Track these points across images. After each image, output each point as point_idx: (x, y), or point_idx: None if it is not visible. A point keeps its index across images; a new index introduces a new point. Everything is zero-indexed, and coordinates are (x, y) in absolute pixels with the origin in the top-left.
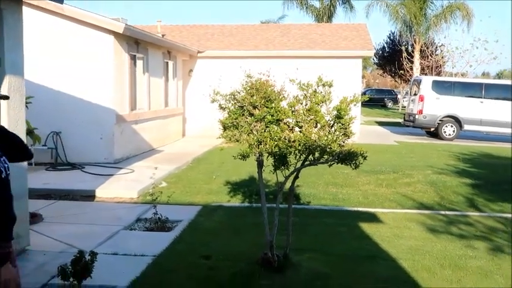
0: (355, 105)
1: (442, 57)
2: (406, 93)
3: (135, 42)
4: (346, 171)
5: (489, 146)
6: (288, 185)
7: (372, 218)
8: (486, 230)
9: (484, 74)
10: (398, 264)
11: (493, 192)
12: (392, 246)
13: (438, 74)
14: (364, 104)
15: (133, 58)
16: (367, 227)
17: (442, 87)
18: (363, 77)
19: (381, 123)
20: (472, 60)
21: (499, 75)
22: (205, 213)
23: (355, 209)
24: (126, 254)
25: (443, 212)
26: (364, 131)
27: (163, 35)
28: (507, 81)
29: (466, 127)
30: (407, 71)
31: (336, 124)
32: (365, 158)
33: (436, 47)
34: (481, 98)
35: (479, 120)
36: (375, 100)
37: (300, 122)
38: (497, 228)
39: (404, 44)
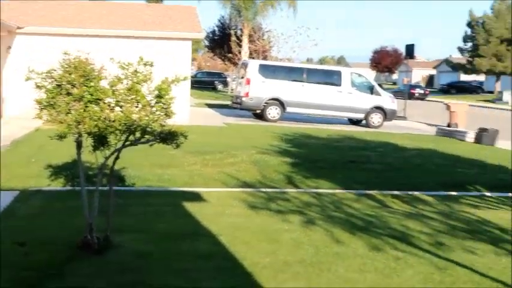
0: (176, 85)
1: (269, 42)
2: (236, 76)
3: None
4: (172, 152)
5: (309, 128)
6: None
7: (196, 197)
8: (302, 204)
9: (308, 59)
10: (219, 240)
11: (309, 170)
12: (214, 224)
13: (265, 58)
14: (195, 87)
15: None
16: (191, 206)
17: (267, 71)
18: (194, 59)
19: (210, 106)
20: (296, 46)
21: (321, 61)
22: (23, 198)
23: (180, 189)
24: None
25: (264, 190)
26: (194, 113)
27: None
28: (327, 67)
29: (289, 109)
30: (236, 55)
31: (157, 104)
32: (186, 138)
33: (263, 32)
34: (303, 82)
35: (301, 103)
36: (206, 83)
37: (120, 101)
38: (312, 203)
39: (233, 28)
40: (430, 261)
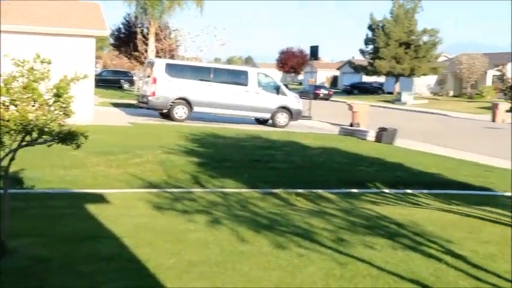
0: (75, 83)
1: (176, 41)
2: (142, 75)
3: None
4: (74, 152)
5: (217, 127)
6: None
7: (100, 199)
8: (208, 204)
9: (216, 59)
10: (122, 242)
11: (216, 170)
12: (118, 225)
13: (172, 57)
14: (100, 85)
15: None
16: (93, 208)
17: (174, 70)
18: (100, 57)
19: (116, 105)
20: (203, 46)
21: (229, 61)
22: None
23: (83, 190)
24: None
25: (169, 190)
26: (99, 113)
27: None
28: (234, 67)
29: (196, 109)
30: (143, 53)
31: (55, 103)
32: (86, 138)
33: (170, 31)
34: (210, 81)
35: (209, 103)
36: (112, 81)
37: (15, 100)
38: (218, 202)
39: (139, 26)
40: (332, 257)
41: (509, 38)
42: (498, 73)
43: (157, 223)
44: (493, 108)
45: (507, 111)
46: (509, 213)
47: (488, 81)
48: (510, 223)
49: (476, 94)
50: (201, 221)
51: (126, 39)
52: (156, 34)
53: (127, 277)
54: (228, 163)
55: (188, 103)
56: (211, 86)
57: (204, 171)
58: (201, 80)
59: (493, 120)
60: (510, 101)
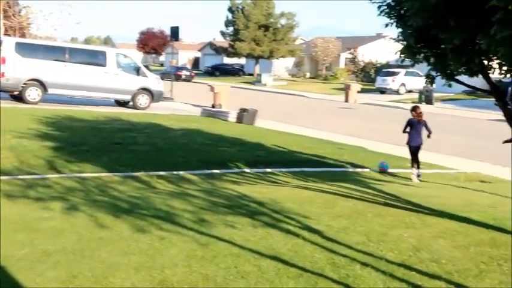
0: None
1: (27, 19)
2: None
3: None
4: None
5: (74, 110)
6: None
7: None
8: (64, 190)
9: (72, 38)
10: None
11: (73, 154)
12: None
13: (22, 35)
14: None
15: None
16: None
17: (26, 49)
18: None
19: None
20: (57, 24)
21: (87, 41)
22: None
23: None
24: None
25: (22, 177)
26: None
27: None
28: (91, 47)
29: (51, 90)
30: None
31: None
32: None
33: (20, 9)
34: (66, 62)
35: (64, 84)
36: None
37: None
38: (75, 188)
39: None
40: (193, 239)
41: (360, 23)
42: (350, 56)
43: (8, 212)
44: (346, 89)
45: (358, 92)
46: (360, 188)
47: (342, 64)
48: (360, 197)
49: (331, 76)
50: (57, 208)
51: None
52: (5, 11)
53: None
54: (86, 147)
55: (42, 84)
56: (66, 67)
57: (59, 156)
58: (56, 60)
59: (346, 100)
60: (361, 82)
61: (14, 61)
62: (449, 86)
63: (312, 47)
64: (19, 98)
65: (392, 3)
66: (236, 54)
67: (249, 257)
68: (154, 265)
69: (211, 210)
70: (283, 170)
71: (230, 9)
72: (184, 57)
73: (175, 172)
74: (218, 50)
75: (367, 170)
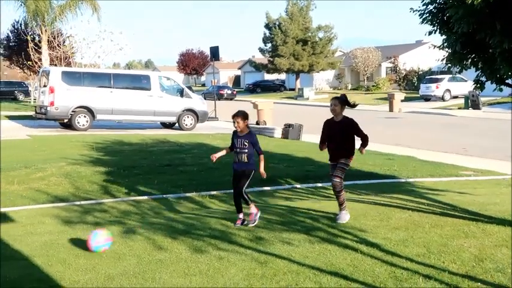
0: None
1: (71, 48)
2: (37, 85)
3: None
4: None
5: (122, 134)
6: None
7: (3, 218)
8: (120, 214)
9: (115, 64)
10: (32, 262)
11: (125, 178)
12: (25, 244)
13: (68, 64)
14: None
15: None
16: None
17: (72, 78)
18: None
19: (12, 117)
20: (100, 51)
21: (129, 66)
22: None
23: None
24: None
25: (78, 203)
26: None
27: None
28: (134, 71)
29: (99, 116)
30: (36, 62)
31: None
32: None
33: (64, 38)
34: (111, 87)
35: (111, 110)
36: (5, 93)
37: None
38: (130, 211)
39: (30, 34)
40: (251, 257)
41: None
42: (391, 65)
43: (67, 238)
44: (389, 98)
45: (402, 100)
46: (414, 199)
47: (383, 73)
48: (415, 208)
49: (373, 86)
50: (115, 232)
51: (17, 48)
52: (49, 41)
53: None
54: (137, 170)
55: (90, 111)
56: (112, 93)
57: (112, 180)
58: (101, 86)
59: (391, 110)
60: (404, 91)
61: (61, 90)
62: (500, 90)
63: (351, 58)
64: (68, 125)
65: (435, 11)
66: (276, 70)
67: (308, 274)
68: (216, 285)
69: (266, 227)
70: None
71: (267, 26)
72: (225, 76)
73: (226, 191)
74: (258, 67)
75: (420, 179)
